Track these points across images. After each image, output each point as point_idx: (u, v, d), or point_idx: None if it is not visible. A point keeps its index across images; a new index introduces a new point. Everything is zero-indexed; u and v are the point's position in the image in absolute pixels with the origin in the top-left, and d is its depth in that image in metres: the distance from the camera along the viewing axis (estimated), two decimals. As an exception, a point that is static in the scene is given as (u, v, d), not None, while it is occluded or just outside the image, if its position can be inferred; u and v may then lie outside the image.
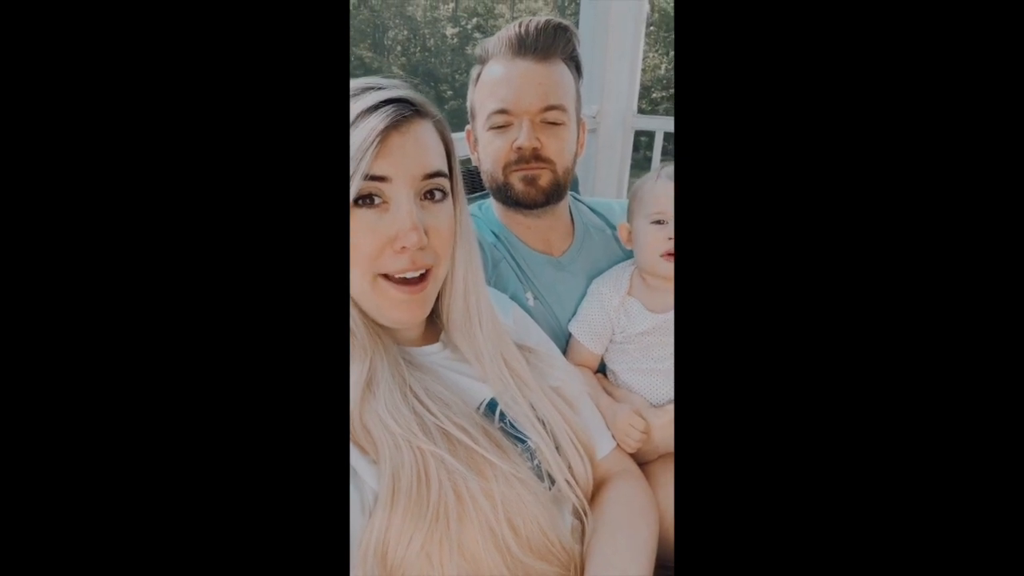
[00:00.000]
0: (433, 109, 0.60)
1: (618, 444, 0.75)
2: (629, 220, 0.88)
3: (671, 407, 0.81)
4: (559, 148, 0.85)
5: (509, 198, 0.88)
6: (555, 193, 0.87)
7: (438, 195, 0.59)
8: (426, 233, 0.56)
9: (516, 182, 0.85)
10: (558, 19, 0.85)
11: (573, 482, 0.63)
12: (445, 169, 0.60)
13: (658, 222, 0.82)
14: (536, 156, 0.83)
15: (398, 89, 0.57)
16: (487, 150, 0.87)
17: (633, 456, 0.77)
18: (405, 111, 0.55)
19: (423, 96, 0.60)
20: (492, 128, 0.85)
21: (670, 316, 0.84)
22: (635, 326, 0.85)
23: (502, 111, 0.83)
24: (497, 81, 0.84)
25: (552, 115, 0.83)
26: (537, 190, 0.86)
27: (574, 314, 0.90)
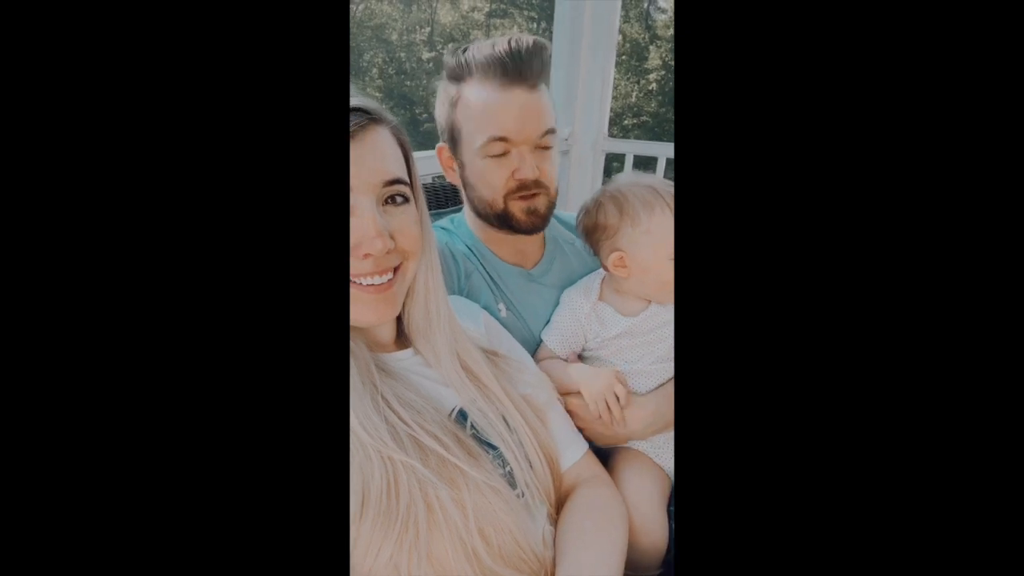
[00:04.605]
0: (388, 115, 0.60)
1: (587, 452, 0.75)
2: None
3: (653, 396, 0.83)
4: (552, 171, 0.87)
5: (508, 225, 0.88)
6: (550, 215, 0.90)
7: (399, 199, 0.59)
8: (392, 237, 0.57)
9: (518, 212, 0.86)
10: (535, 38, 0.83)
11: (539, 489, 0.63)
12: (404, 176, 0.60)
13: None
14: (536, 183, 0.85)
15: (352, 98, 0.57)
16: (484, 178, 0.86)
17: (598, 440, 0.79)
18: (360, 120, 0.55)
19: (377, 103, 0.60)
20: (490, 156, 0.84)
21: (641, 319, 0.86)
22: (608, 330, 0.87)
23: (502, 139, 0.82)
24: (492, 108, 0.82)
25: (548, 138, 0.84)
26: (538, 218, 0.88)
27: (546, 324, 0.91)
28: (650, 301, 0.87)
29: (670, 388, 0.85)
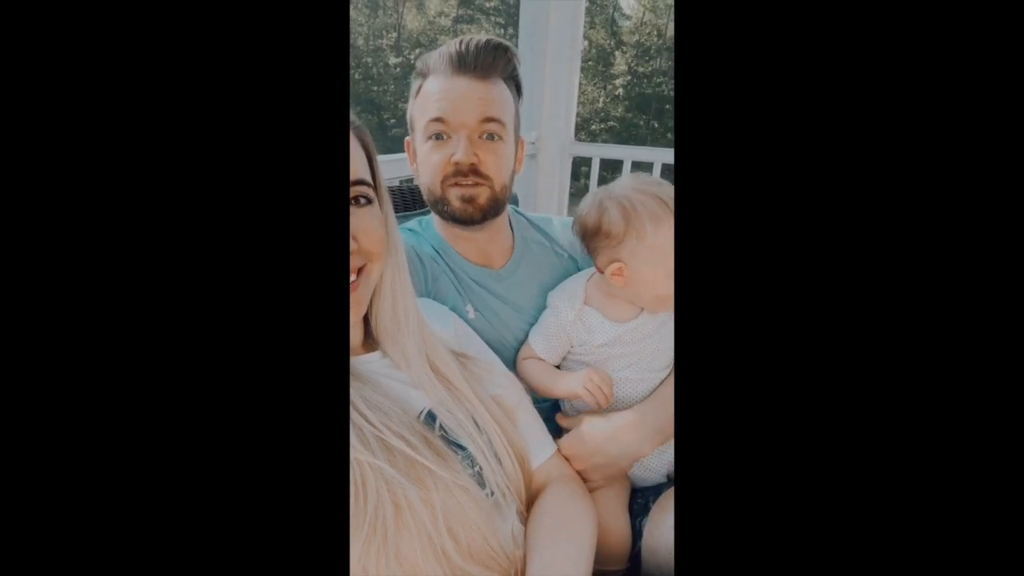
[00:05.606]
0: (351, 117, 0.60)
1: (556, 452, 0.76)
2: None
3: (638, 408, 0.81)
4: (497, 164, 0.86)
5: (446, 213, 0.88)
6: (492, 210, 0.88)
7: (363, 201, 0.59)
8: (354, 238, 0.57)
9: (454, 199, 0.86)
10: (498, 39, 0.86)
11: (509, 488, 0.63)
12: (367, 177, 0.60)
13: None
14: (474, 171, 0.85)
15: None
16: (425, 163, 0.88)
17: (599, 478, 0.78)
18: None
19: None
20: (430, 138, 0.86)
21: (632, 326, 0.83)
22: (595, 338, 0.84)
23: (439, 119, 0.84)
24: (436, 94, 0.85)
25: (490, 127, 0.85)
26: (475, 208, 0.87)
27: (517, 326, 0.91)
28: (642, 308, 0.84)
29: (656, 399, 0.83)
